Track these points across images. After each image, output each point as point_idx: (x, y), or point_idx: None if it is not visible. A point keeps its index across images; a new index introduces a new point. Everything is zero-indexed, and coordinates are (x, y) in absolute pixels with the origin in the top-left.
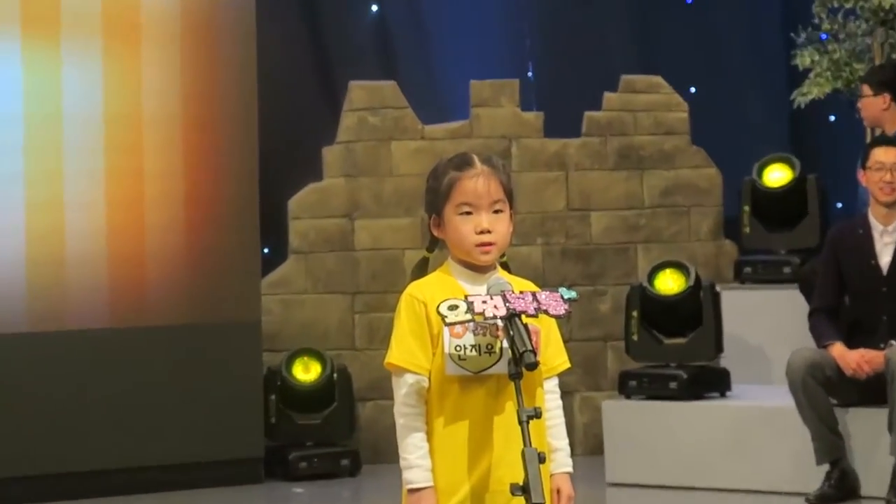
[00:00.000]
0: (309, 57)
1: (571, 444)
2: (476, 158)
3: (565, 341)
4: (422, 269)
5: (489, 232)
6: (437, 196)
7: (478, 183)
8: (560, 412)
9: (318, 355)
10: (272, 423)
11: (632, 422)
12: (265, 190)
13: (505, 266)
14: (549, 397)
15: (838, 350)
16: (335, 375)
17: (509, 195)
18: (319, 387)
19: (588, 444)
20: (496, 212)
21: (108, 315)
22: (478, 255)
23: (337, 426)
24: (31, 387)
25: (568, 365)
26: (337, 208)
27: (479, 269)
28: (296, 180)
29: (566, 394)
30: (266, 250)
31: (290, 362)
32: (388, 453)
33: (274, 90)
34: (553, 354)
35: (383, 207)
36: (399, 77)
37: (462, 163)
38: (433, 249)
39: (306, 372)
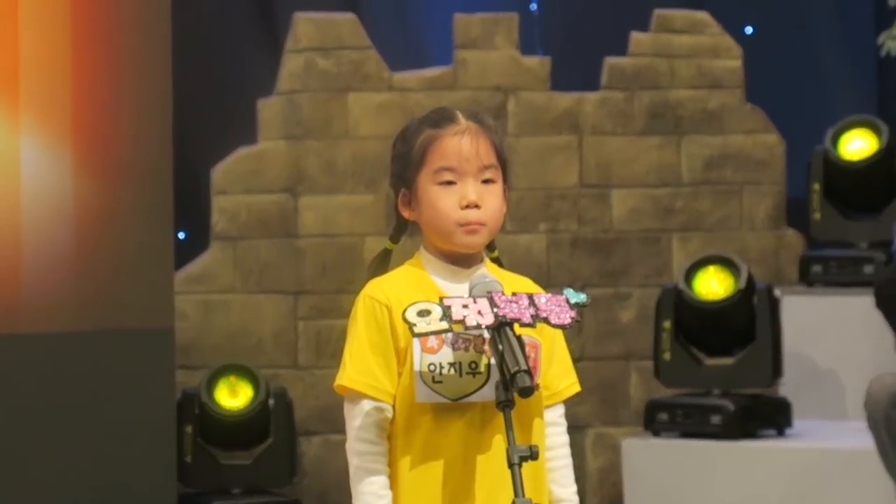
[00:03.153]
0: None
1: (581, 495)
2: (459, 113)
3: (575, 359)
4: (382, 265)
5: (477, 206)
6: (406, 164)
7: (462, 142)
8: (566, 451)
9: (248, 374)
10: (188, 463)
11: (660, 466)
12: (181, 155)
13: (496, 261)
14: (553, 430)
15: None
16: (271, 402)
17: (503, 163)
18: (250, 416)
19: (604, 494)
20: (486, 181)
21: None
22: (461, 238)
23: (273, 468)
24: None
25: (578, 388)
26: (275, 181)
27: (460, 262)
28: (222, 143)
29: (576, 429)
30: (182, 235)
31: (211, 383)
32: (339, 503)
33: (194, 22)
34: (557, 375)
35: (337, 180)
36: (360, 8)
37: (441, 118)
38: (398, 238)
39: (233, 396)
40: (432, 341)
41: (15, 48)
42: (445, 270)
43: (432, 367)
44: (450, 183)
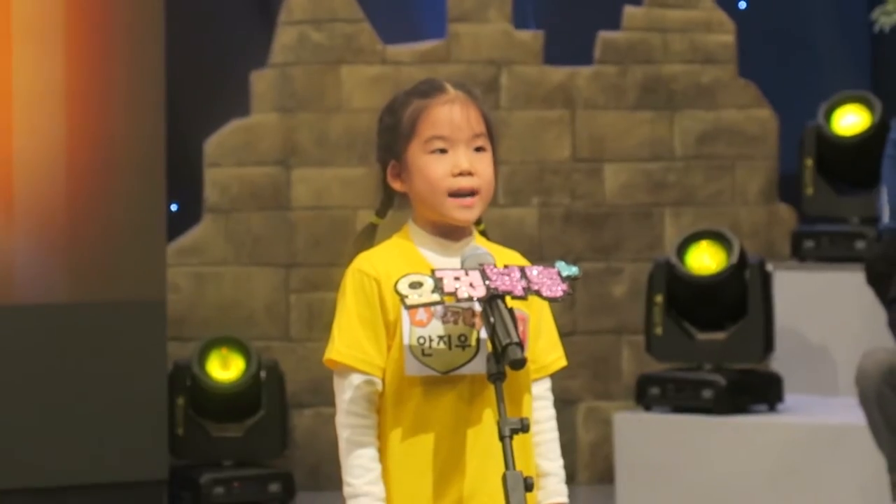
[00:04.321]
0: None
1: (572, 469)
2: (447, 83)
3: (567, 334)
4: (368, 239)
5: (470, 174)
6: (396, 135)
7: (453, 110)
8: (553, 424)
9: (240, 347)
10: (179, 435)
11: (652, 441)
12: (174, 127)
13: (483, 234)
14: (540, 405)
15: None
16: (263, 374)
17: (492, 133)
18: (242, 389)
19: (595, 469)
20: (478, 149)
21: None
22: (454, 209)
23: (264, 441)
24: None
25: (564, 363)
26: (268, 153)
27: (451, 235)
28: (215, 115)
29: (567, 403)
30: (174, 207)
31: (203, 356)
32: (330, 476)
33: None
34: (545, 349)
35: (329, 153)
36: None
37: (429, 88)
38: (385, 213)
39: (225, 368)
40: (421, 314)
41: (7, 20)
42: (434, 243)
43: (422, 341)
44: (442, 151)
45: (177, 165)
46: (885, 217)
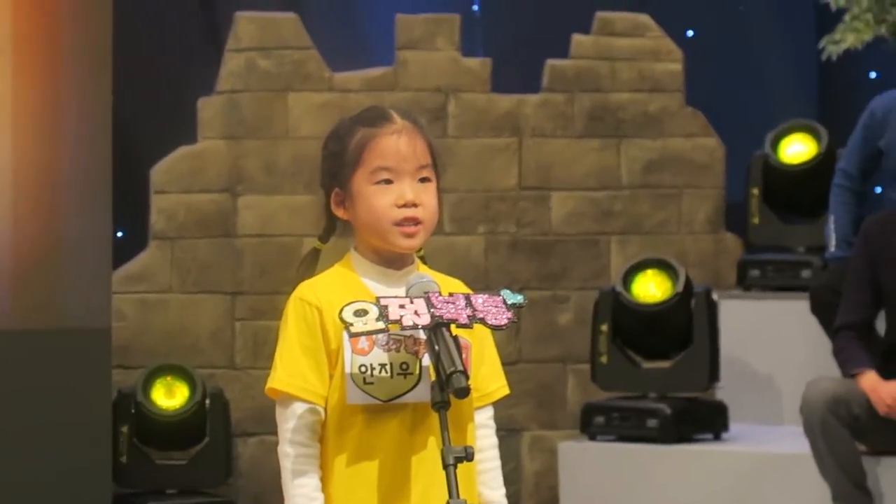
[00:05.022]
0: None
1: (517, 498)
2: (393, 111)
3: (512, 362)
4: (310, 266)
5: (415, 205)
6: (340, 163)
7: (400, 141)
8: (496, 453)
9: (185, 375)
10: (123, 463)
11: (597, 470)
12: (120, 154)
13: (422, 261)
14: (482, 433)
15: (870, 381)
16: (207, 402)
17: (437, 163)
18: (186, 417)
19: (540, 498)
20: (422, 180)
21: None
22: (397, 238)
23: (209, 469)
24: None
25: (507, 391)
26: (214, 180)
27: (393, 264)
28: (161, 141)
29: (512, 432)
30: (120, 234)
31: (148, 383)
32: None
33: (135, 20)
34: (487, 377)
35: (276, 180)
36: (302, 8)
37: (376, 117)
38: (327, 239)
39: (169, 397)
40: (363, 343)
41: None
42: (376, 272)
43: (363, 369)
44: (387, 182)
45: (123, 192)
46: (832, 246)
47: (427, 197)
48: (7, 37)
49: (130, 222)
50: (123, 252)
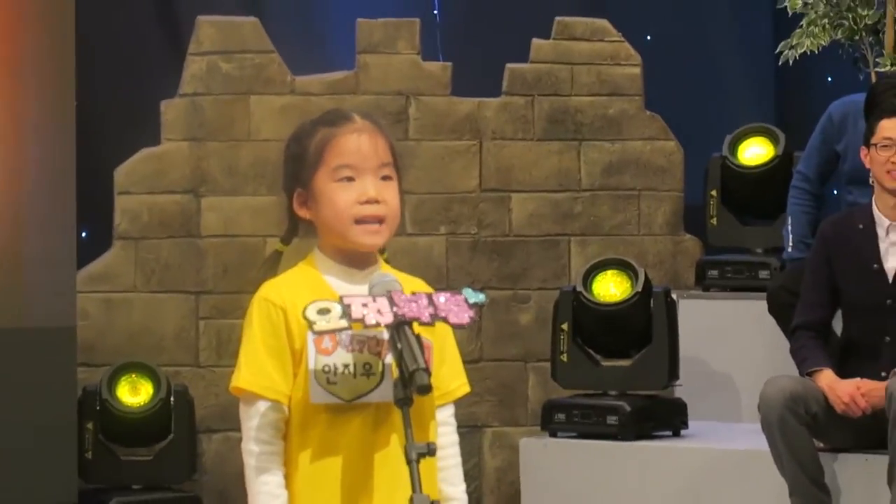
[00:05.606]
0: None
1: (479, 493)
2: (354, 112)
3: (473, 361)
4: (272, 267)
5: (377, 202)
6: (302, 164)
7: (360, 140)
8: (456, 450)
9: (149, 372)
10: (88, 459)
11: (557, 466)
12: (84, 155)
13: (386, 261)
14: (443, 430)
15: (827, 379)
16: (172, 399)
17: (398, 163)
18: (151, 414)
19: (501, 493)
20: (384, 178)
21: None
22: (360, 236)
23: (173, 465)
24: None
25: (467, 389)
26: (177, 181)
27: (355, 263)
28: (124, 143)
29: (473, 429)
30: (84, 234)
31: (112, 381)
32: (238, 500)
33: (97, 24)
34: (448, 375)
35: (238, 182)
36: (263, 13)
37: (336, 117)
38: (290, 240)
39: (134, 394)
40: (327, 343)
41: None
42: (339, 271)
43: (327, 369)
44: (349, 179)
45: (87, 193)
46: (789, 247)
47: (389, 195)
48: None
49: (94, 223)
50: (88, 252)
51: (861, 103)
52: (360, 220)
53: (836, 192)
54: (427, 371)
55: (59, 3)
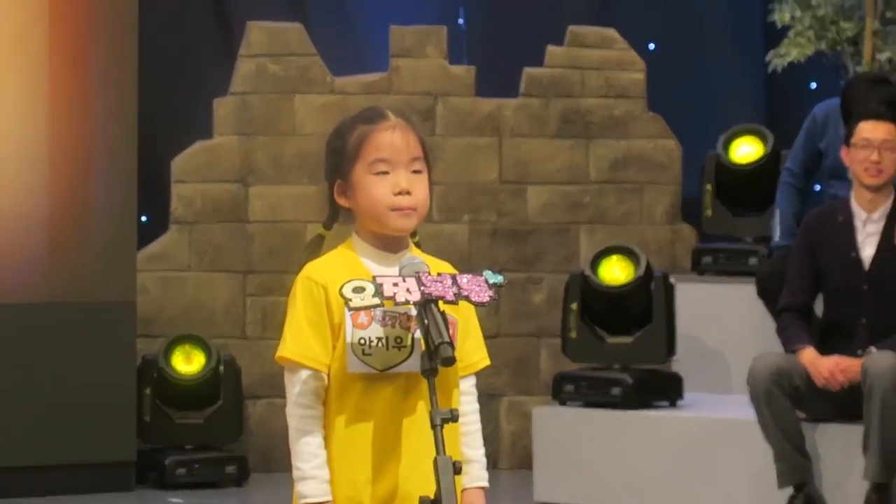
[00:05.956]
0: None
1: (496, 456)
2: (389, 111)
3: (492, 336)
4: (315, 249)
5: (409, 193)
6: (342, 157)
7: (394, 136)
8: (477, 417)
9: (201, 344)
10: (146, 421)
11: (566, 432)
12: (145, 147)
13: (417, 246)
14: (465, 399)
15: (809, 356)
16: (221, 368)
17: (428, 157)
18: (202, 381)
19: (515, 456)
20: (415, 171)
21: None
22: (395, 222)
23: (222, 427)
24: None
25: (488, 362)
26: (228, 172)
27: (389, 247)
28: (181, 137)
29: (492, 397)
30: (144, 218)
31: (168, 351)
32: (280, 460)
33: (157, 28)
34: (471, 349)
35: (283, 172)
36: (307, 19)
37: (373, 115)
38: (331, 225)
39: (187, 363)
40: (363, 318)
41: None
42: (375, 254)
43: (363, 342)
44: (384, 173)
45: (147, 182)
46: (777, 236)
47: (419, 186)
48: (44, 46)
49: (153, 209)
50: (147, 235)
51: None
52: (394, 209)
53: (818, 187)
54: (451, 345)
55: (123, 10)
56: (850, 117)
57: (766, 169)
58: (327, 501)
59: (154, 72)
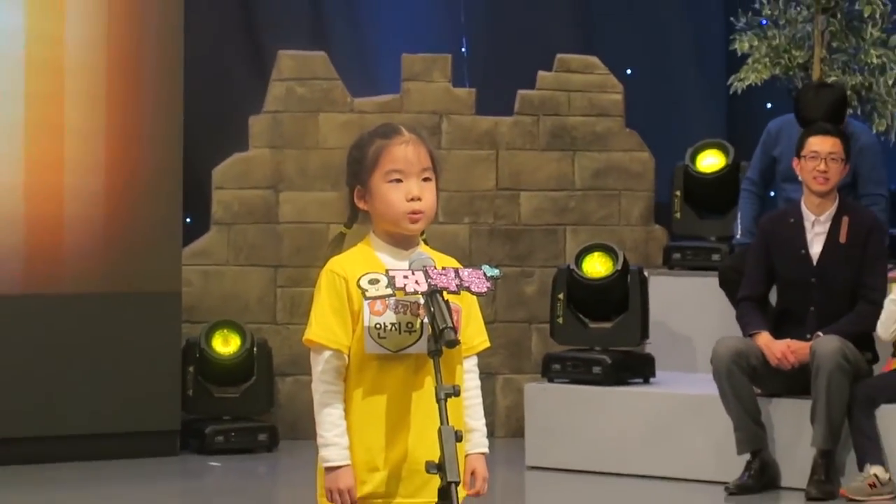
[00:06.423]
0: (237, 23)
1: (493, 426)
2: (402, 127)
3: (490, 322)
4: (337, 245)
5: (419, 199)
6: (361, 166)
7: (407, 150)
8: (478, 392)
9: (237, 328)
10: (189, 395)
11: (554, 406)
12: (189, 158)
13: (425, 243)
14: (468, 376)
15: (764, 339)
16: (255, 349)
17: (436, 165)
18: (238, 360)
19: (510, 426)
20: (425, 180)
21: (22, 281)
22: (407, 224)
23: (255, 401)
24: None
25: (488, 344)
26: (261, 180)
27: (401, 244)
28: (221, 149)
29: (489, 375)
30: (188, 220)
31: (209, 335)
32: (306, 429)
33: (201, 56)
34: (473, 333)
35: (309, 180)
36: (329, 48)
37: (389, 131)
38: (352, 224)
39: (226, 345)
40: (379, 306)
41: (61, 82)
42: (389, 250)
43: (378, 326)
44: (398, 181)
45: (191, 188)
46: (738, 235)
47: (428, 193)
48: (103, 77)
49: (196, 211)
50: (191, 234)
51: (791, 119)
52: (406, 213)
53: (773, 193)
54: (454, 329)
55: (171, 42)
56: (801, 120)
57: (727, 177)
58: (346, 465)
59: (198, 94)
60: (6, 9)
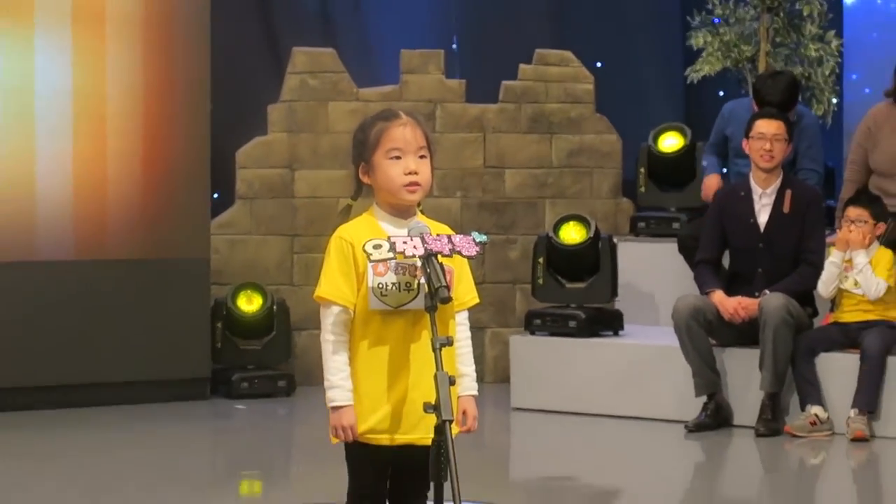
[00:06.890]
0: (257, 26)
1: (482, 373)
2: (401, 111)
3: (479, 283)
4: (345, 215)
5: (416, 173)
6: (365, 146)
7: (405, 130)
8: (468, 342)
9: (259, 289)
10: (218, 347)
11: (535, 355)
12: (216, 143)
13: (422, 213)
14: (460, 328)
15: (718, 297)
16: (274, 307)
17: (431, 145)
18: (260, 317)
19: (497, 374)
20: (421, 157)
21: (73, 249)
22: (405, 195)
23: (275, 352)
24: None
25: (477, 300)
26: (279, 160)
27: (401, 214)
28: (244, 134)
29: (479, 329)
30: (216, 195)
31: (234, 295)
32: (319, 377)
33: (226, 55)
34: (464, 290)
35: (320, 160)
36: (338, 45)
37: (389, 114)
38: (357, 197)
39: (249, 304)
40: (381, 268)
41: (103, 72)
42: (391, 220)
43: (380, 285)
44: (397, 158)
45: (218, 168)
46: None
47: (424, 168)
48: (139, 71)
49: (223, 187)
50: (218, 207)
51: (742, 102)
52: (405, 185)
53: (725, 170)
54: (447, 288)
55: (199, 38)
56: (761, 102)
57: (685, 156)
58: (349, 405)
59: (223, 86)
60: (55, 46)
